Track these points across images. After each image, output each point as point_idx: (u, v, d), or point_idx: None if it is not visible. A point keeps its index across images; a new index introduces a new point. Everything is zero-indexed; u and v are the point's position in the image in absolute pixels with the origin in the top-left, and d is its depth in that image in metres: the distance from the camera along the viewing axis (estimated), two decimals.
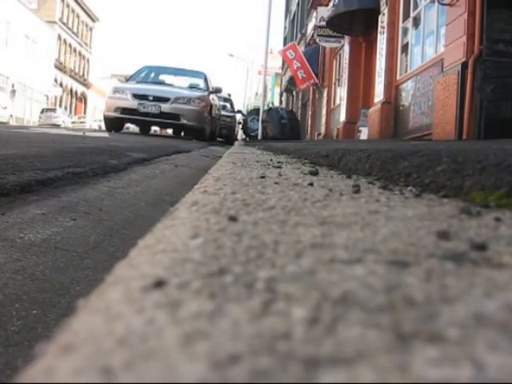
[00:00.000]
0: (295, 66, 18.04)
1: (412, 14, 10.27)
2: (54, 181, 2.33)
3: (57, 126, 28.43)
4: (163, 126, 13.35)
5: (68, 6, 49.65)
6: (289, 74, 24.63)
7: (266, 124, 12.81)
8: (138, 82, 11.91)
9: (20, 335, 0.97)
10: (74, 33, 51.95)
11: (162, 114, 10.65)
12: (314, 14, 18.69)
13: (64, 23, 49.03)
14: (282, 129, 12.71)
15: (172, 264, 0.53)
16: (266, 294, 0.43)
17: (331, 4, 13.32)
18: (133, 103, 10.65)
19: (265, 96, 15.85)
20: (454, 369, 0.30)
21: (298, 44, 22.03)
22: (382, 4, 11.22)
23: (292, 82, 24.11)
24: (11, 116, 30.56)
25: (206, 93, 11.98)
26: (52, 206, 1.94)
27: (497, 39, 6.48)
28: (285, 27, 35.17)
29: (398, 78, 10.59)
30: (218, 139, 14.52)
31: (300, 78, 17.98)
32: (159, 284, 0.46)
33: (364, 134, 12.12)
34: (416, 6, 10.13)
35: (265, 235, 0.65)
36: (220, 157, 4.07)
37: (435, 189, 1.09)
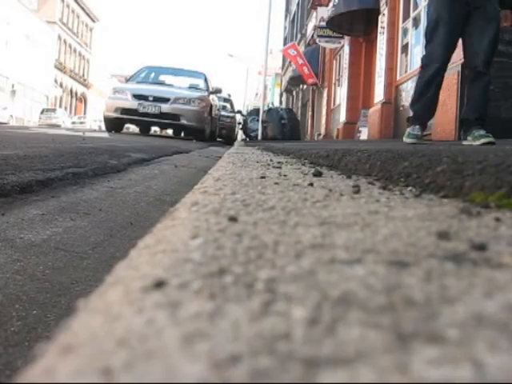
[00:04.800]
0: (299, 62, 18.16)
1: (412, 14, 10.27)
2: (53, 181, 2.34)
3: (57, 126, 28.44)
4: (163, 126, 13.34)
5: (68, 6, 49.64)
6: (289, 74, 24.63)
7: (266, 124, 12.80)
8: (137, 83, 11.90)
9: (20, 335, 0.97)
10: (73, 33, 51.93)
11: (161, 115, 10.63)
12: (314, 15, 18.69)
13: (64, 23, 49.02)
14: (281, 129, 12.69)
15: (172, 264, 0.53)
16: (266, 295, 0.43)
17: (331, 4, 13.32)
18: (133, 103, 10.64)
19: (265, 96, 15.84)
20: (454, 369, 0.31)
21: (298, 44, 22.06)
22: (382, 4, 11.22)
23: (292, 82, 24.12)
24: (11, 116, 30.56)
25: (206, 93, 11.98)
26: (52, 206, 1.94)
27: None
28: (285, 27, 35.16)
29: (398, 78, 10.59)
30: (218, 139, 14.51)
31: (307, 72, 18.11)
32: (159, 284, 0.46)
33: (364, 134, 12.13)
34: (416, 6, 10.13)
35: (265, 235, 0.65)
36: (220, 157, 4.06)
37: (435, 189, 1.09)
